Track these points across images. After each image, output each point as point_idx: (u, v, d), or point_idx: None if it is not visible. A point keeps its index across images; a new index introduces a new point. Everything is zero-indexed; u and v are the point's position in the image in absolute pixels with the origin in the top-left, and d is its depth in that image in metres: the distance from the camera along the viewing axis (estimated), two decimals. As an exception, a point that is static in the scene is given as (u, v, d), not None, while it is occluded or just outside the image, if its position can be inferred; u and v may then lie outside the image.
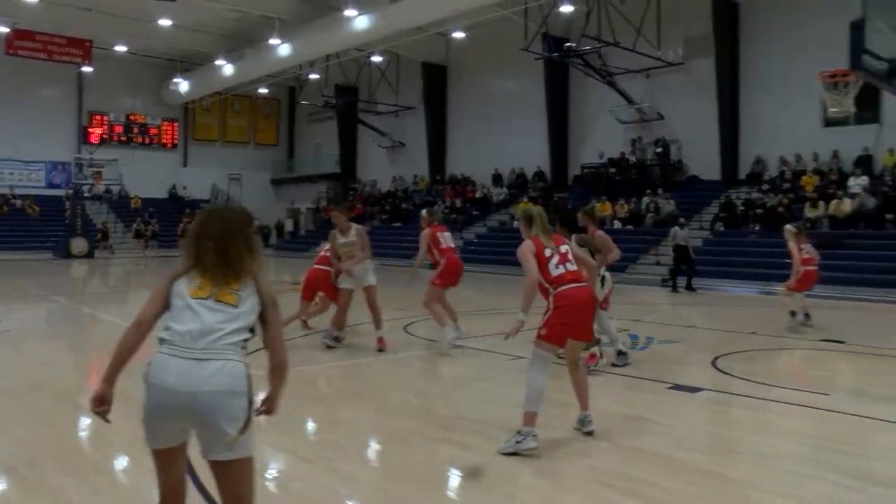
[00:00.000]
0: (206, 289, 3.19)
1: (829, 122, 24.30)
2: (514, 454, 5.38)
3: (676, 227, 20.29)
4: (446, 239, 10.36)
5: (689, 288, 19.31)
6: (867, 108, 21.94)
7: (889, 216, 20.65)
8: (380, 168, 40.94)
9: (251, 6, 32.21)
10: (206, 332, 3.10)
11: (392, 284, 12.60)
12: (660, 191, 26.41)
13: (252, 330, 3.24)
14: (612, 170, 29.24)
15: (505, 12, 28.22)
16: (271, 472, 5.11)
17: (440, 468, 5.35)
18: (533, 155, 32.11)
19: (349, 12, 29.02)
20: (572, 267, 5.88)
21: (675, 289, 19.39)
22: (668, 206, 25.09)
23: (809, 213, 21.85)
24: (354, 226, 10.08)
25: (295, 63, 36.24)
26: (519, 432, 5.48)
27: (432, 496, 4.84)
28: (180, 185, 44.76)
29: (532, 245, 5.84)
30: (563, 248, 5.95)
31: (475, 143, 35.20)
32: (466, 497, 4.91)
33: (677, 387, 7.83)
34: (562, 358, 6.01)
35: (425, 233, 10.26)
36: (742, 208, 23.76)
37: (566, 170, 32.04)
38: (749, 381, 8.27)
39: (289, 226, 44.50)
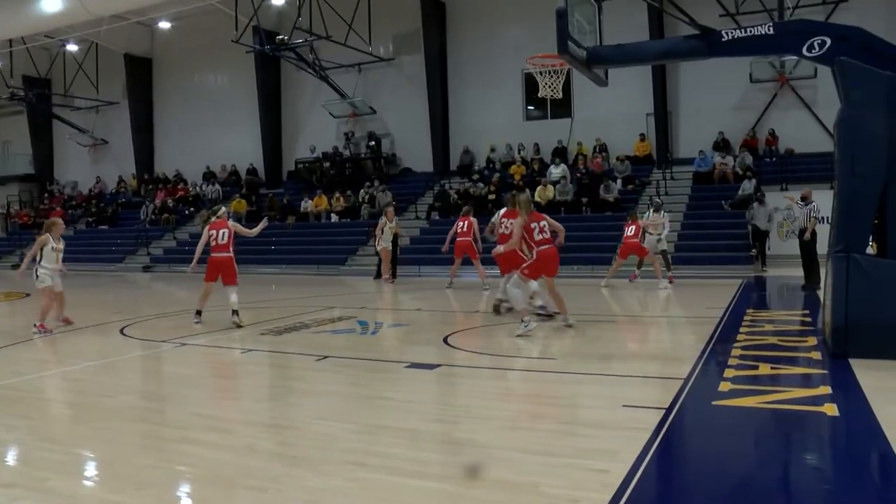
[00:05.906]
0: None
1: (529, 117, 26.40)
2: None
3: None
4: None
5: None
6: (561, 105, 23.91)
7: (584, 200, 22.49)
8: (81, 168, 37.38)
9: None
10: None
11: (106, 289, 11.58)
12: (376, 183, 26.72)
13: None
14: (327, 164, 29.23)
15: (214, 2, 27.14)
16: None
17: (176, 469, 4.83)
18: (246, 150, 31.23)
19: (37, -9, 25.70)
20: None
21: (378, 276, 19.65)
22: (384, 197, 25.41)
23: (517, 200, 23.14)
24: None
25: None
26: (522, 321, 9.12)
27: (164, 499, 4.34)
28: None
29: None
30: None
31: (185, 140, 33.40)
32: (209, 497, 4.45)
33: (414, 365, 7.82)
34: None
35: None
36: (455, 197, 24.64)
37: (280, 165, 31.51)
38: (481, 353, 8.49)
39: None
